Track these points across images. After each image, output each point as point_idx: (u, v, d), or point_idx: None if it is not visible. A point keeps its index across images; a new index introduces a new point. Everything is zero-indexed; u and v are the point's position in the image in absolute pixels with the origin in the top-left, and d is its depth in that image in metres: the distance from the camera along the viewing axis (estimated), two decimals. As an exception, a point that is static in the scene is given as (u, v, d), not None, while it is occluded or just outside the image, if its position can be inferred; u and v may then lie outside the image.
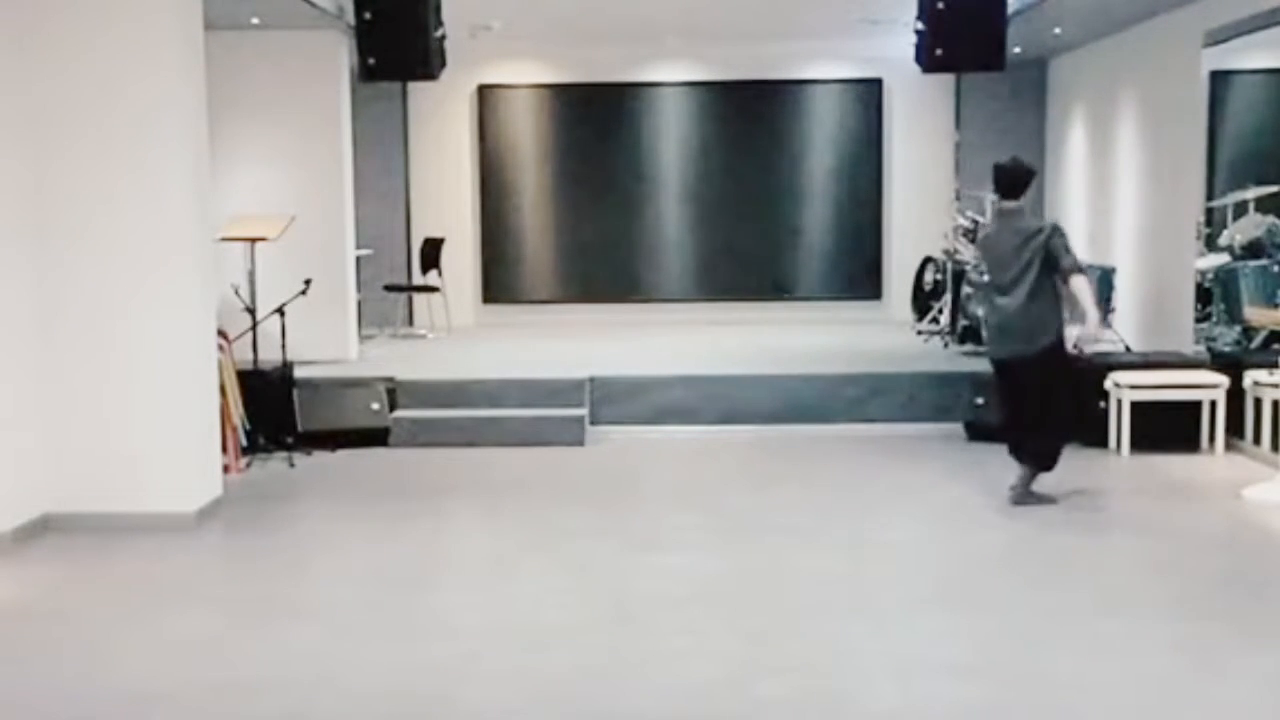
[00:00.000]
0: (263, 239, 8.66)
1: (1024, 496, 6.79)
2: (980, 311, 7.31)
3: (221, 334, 7.59)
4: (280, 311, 8.30)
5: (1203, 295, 9.20)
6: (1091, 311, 6.50)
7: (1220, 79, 9.47)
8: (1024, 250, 6.51)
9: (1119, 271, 10.03)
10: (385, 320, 12.29)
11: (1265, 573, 5.75)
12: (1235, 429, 8.10)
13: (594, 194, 13.16)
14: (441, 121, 13.10)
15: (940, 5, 8.60)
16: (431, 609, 5.31)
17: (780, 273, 13.21)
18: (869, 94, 13.13)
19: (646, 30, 12.02)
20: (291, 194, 9.88)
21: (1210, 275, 9.12)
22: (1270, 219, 8.92)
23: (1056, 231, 6.53)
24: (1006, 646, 4.71)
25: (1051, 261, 6.48)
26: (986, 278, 6.92)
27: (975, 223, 11.30)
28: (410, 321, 12.76)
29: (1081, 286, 6.47)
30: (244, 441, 8.00)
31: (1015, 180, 6.74)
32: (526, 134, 13.16)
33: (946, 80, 12.69)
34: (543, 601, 5.34)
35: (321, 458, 8.32)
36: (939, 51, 8.78)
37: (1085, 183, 11.96)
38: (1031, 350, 6.61)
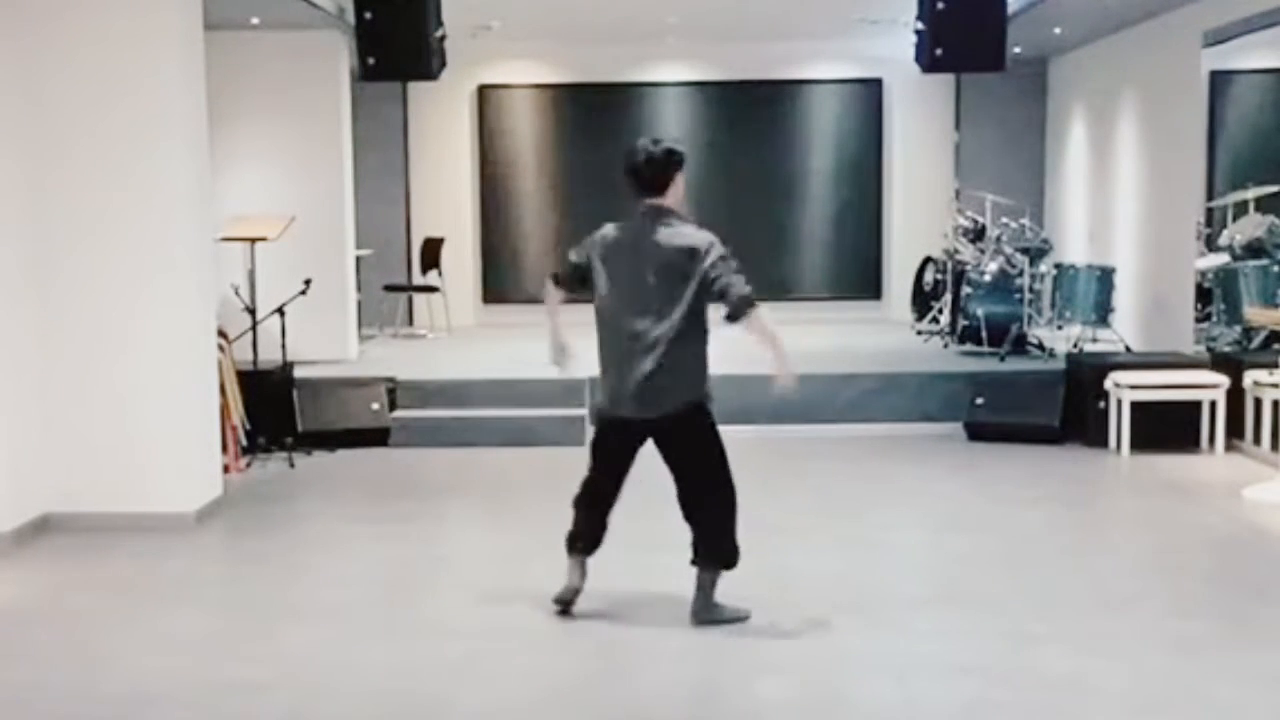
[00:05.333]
0: (263, 239, 8.66)
1: (709, 609, 4.96)
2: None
3: (221, 334, 7.58)
4: (280, 311, 8.30)
5: (1203, 295, 9.20)
6: (778, 348, 4.96)
7: (1220, 79, 9.48)
8: (669, 273, 4.71)
9: (1119, 271, 10.03)
10: (385, 320, 12.29)
11: (1265, 573, 5.75)
12: (1235, 429, 8.10)
13: (594, 194, 13.12)
14: (441, 121, 13.09)
15: (940, 5, 8.59)
16: (431, 609, 5.31)
17: (782, 275, 13.17)
18: (869, 94, 13.12)
19: (646, 30, 12.01)
20: (291, 194, 9.88)
21: (1210, 275, 9.13)
22: (1270, 219, 8.93)
23: (720, 253, 4.74)
24: (1006, 646, 4.71)
25: (712, 294, 4.71)
26: (601, 304, 4.89)
27: (975, 222, 11.31)
28: (410, 321, 12.75)
29: (762, 322, 4.81)
30: (244, 441, 8.00)
31: (653, 168, 4.81)
32: (526, 134, 13.15)
33: (946, 80, 12.68)
34: (542, 601, 5.33)
35: (321, 458, 8.32)
36: (939, 51, 8.76)
37: (1085, 182, 11.96)
38: (667, 411, 4.83)
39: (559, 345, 5.14)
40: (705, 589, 4.97)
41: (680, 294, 4.71)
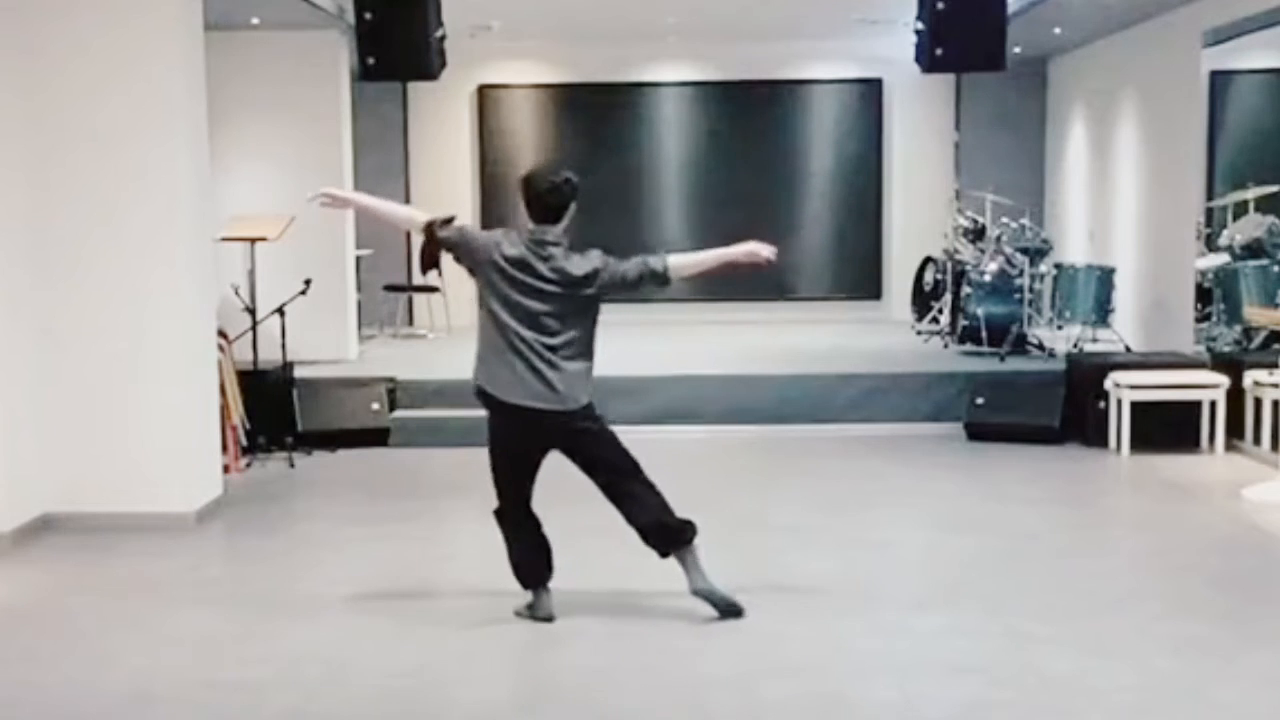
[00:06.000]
0: (263, 239, 8.65)
1: (702, 581, 5.01)
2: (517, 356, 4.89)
3: (221, 334, 7.59)
4: (280, 311, 8.30)
5: (1203, 295, 9.20)
6: (718, 254, 5.18)
7: (1220, 79, 9.48)
8: (572, 297, 4.85)
9: (1119, 271, 10.03)
10: (385, 320, 12.29)
11: (1265, 573, 5.75)
12: (1235, 429, 8.10)
13: (593, 194, 12.97)
14: (441, 121, 13.09)
15: (940, 5, 8.59)
16: (431, 609, 5.31)
17: (782, 275, 13.17)
18: (869, 94, 13.12)
19: (646, 30, 12.02)
20: (291, 194, 9.82)
21: (1210, 275, 9.12)
22: (1270, 219, 8.92)
23: (610, 258, 4.95)
24: (1006, 646, 4.71)
25: (631, 283, 4.97)
26: (497, 309, 4.86)
27: (975, 222, 11.32)
28: (410, 321, 12.75)
29: (687, 258, 5.19)
30: (244, 441, 8.00)
31: (557, 198, 4.92)
32: (526, 134, 13.14)
33: (946, 80, 12.68)
34: (543, 601, 5.34)
35: (321, 458, 8.32)
36: (939, 51, 8.77)
37: (1085, 183, 11.96)
38: (582, 403, 4.96)
39: (334, 198, 5.28)
40: (690, 565, 5.02)
41: (580, 315, 4.90)
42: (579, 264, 4.87)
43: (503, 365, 4.88)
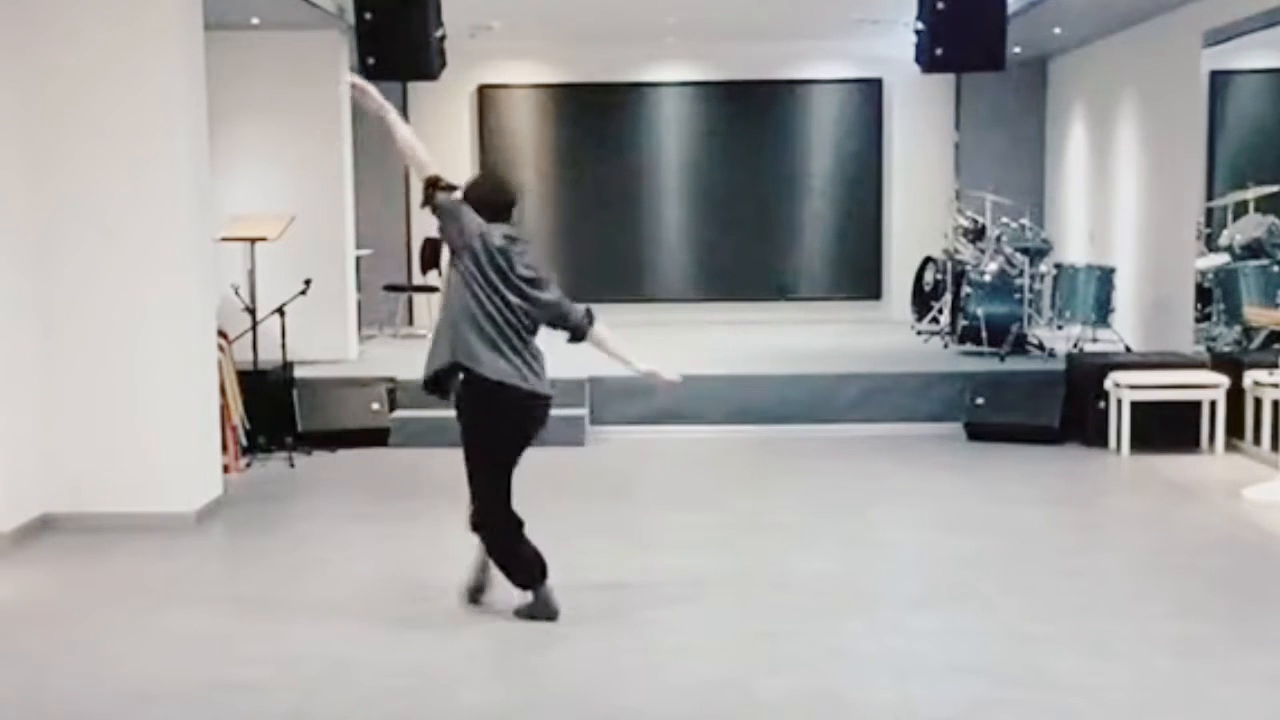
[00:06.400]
0: (263, 239, 8.65)
1: (485, 564, 5.21)
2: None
3: (221, 334, 7.59)
4: (280, 311, 8.30)
5: (1203, 295, 9.21)
6: (626, 355, 5.33)
7: (1220, 79, 9.48)
8: (532, 301, 4.93)
9: (1119, 271, 10.03)
10: (385, 320, 12.28)
11: (1265, 573, 5.75)
12: (1235, 429, 8.10)
13: (594, 194, 13.15)
14: (441, 121, 13.08)
15: (940, 5, 8.59)
16: (432, 609, 5.31)
17: (782, 275, 13.19)
18: (869, 94, 13.12)
19: (646, 30, 12.01)
20: (291, 194, 9.87)
21: (1210, 275, 9.13)
22: (1270, 219, 8.93)
23: (552, 277, 5.08)
24: (1006, 646, 4.71)
25: (556, 321, 5.04)
26: (486, 296, 4.90)
27: (975, 222, 11.32)
28: (410, 321, 12.75)
29: (608, 337, 5.21)
30: (244, 441, 8.00)
31: (504, 195, 5.11)
32: (526, 134, 13.15)
33: (946, 80, 12.68)
34: (543, 601, 5.33)
35: (321, 458, 8.31)
36: (939, 51, 8.76)
37: (1085, 183, 11.96)
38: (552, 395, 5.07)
39: (368, 95, 5.31)
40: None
41: (534, 311, 4.96)
42: (542, 268, 5.02)
43: (495, 353, 4.90)
